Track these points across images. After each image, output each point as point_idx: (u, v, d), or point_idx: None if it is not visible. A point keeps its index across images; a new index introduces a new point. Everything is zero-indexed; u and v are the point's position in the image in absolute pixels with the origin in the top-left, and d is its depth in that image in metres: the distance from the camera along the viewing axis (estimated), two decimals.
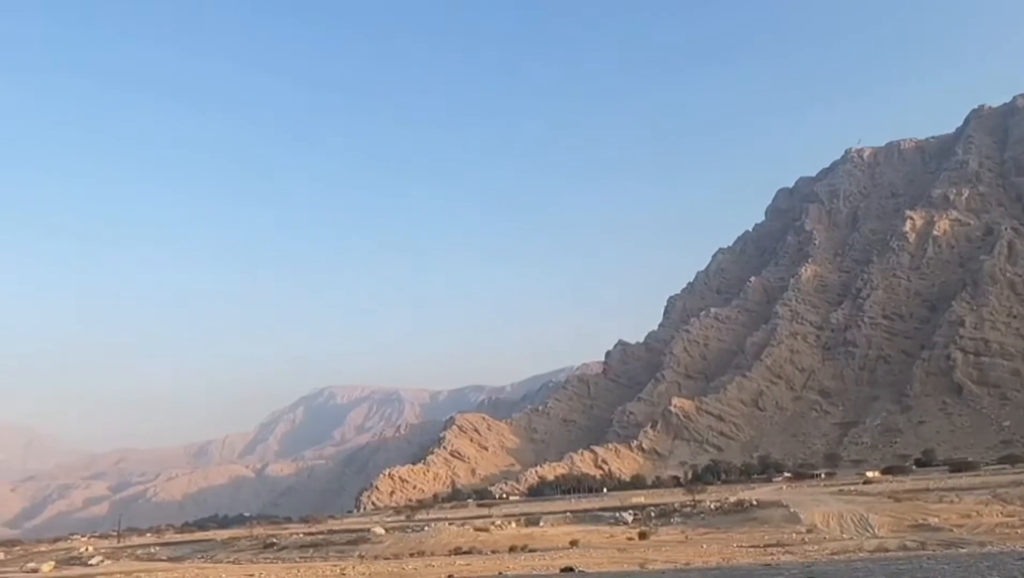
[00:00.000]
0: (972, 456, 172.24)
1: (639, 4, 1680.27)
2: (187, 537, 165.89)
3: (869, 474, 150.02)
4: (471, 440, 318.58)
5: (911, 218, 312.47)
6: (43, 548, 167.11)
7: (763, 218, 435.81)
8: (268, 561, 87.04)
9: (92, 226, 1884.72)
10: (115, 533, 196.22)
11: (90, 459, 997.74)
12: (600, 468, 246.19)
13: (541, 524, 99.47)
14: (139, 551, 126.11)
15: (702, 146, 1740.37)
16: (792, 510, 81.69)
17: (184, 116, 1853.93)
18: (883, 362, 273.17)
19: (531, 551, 71.04)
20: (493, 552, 73.02)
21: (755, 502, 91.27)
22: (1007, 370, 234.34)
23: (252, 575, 56.92)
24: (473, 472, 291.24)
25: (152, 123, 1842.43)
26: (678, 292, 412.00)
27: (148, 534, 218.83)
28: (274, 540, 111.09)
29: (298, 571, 57.47)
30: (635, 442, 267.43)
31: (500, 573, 42.60)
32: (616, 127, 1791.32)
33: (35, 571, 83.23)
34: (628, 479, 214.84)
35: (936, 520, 70.31)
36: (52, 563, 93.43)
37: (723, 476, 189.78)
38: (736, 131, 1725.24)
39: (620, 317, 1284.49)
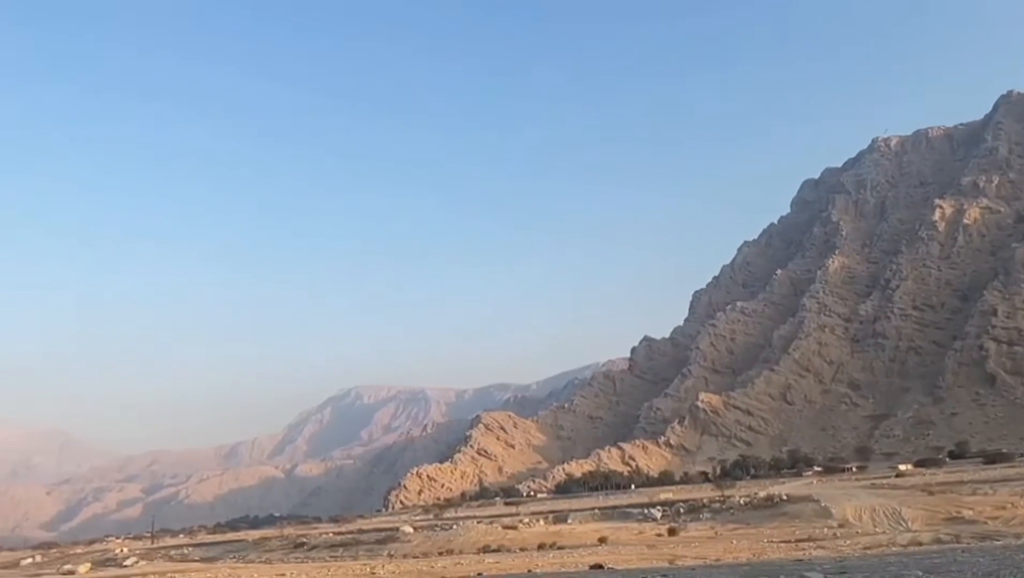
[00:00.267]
0: (1006, 447, 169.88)
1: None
2: (219, 538, 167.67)
3: (901, 467, 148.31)
4: (497, 438, 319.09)
5: (940, 207, 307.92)
6: (79, 550, 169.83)
7: (788, 210, 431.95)
8: (299, 561, 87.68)
9: (127, 232, 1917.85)
10: (149, 534, 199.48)
11: (123, 462, 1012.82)
12: (627, 465, 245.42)
13: (569, 521, 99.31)
14: (172, 552, 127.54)
15: (725, 142, 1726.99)
16: (823, 504, 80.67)
17: (207, 126, 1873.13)
18: (914, 353, 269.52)
19: (560, 548, 70.90)
20: (522, 550, 72.95)
21: (785, 497, 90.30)
22: None
23: (283, 575, 57.35)
24: (500, 470, 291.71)
25: (178, 133, 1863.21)
26: (703, 286, 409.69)
27: (181, 535, 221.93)
28: (304, 540, 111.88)
29: (328, 570, 57.81)
30: (662, 438, 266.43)
31: (529, 570, 42.53)
32: (636, 127, 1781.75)
33: (72, 573, 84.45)
34: (656, 475, 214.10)
35: (970, 513, 69.05)
36: (88, 565, 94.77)
37: (752, 471, 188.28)
38: (762, 124, 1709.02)
39: (645, 313, 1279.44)
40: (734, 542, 62.72)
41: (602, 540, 74.61)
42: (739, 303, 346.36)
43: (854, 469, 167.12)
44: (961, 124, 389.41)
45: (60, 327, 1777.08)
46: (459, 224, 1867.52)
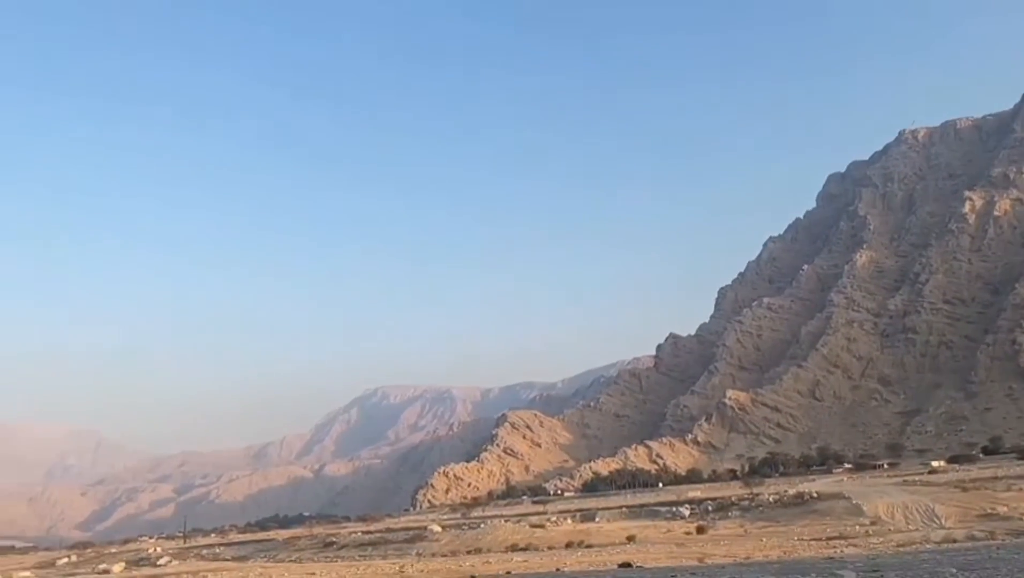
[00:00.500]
0: None
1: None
2: (249, 537, 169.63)
3: (934, 464, 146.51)
4: (524, 437, 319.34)
5: (970, 199, 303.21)
6: (113, 549, 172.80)
7: (814, 204, 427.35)
8: (328, 560, 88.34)
9: (155, 236, 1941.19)
10: (181, 534, 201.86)
11: (155, 462, 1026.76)
12: (655, 462, 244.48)
13: (597, 520, 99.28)
14: (204, 551, 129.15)
15: (749, 137, 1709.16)
16: (854, 502, 79.96)
17: (230, 135, 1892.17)
18: (945, 348, 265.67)
19: (588, 547, 70.97)
20: (550, 548, 73.06)
21: (815, 494, 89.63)
22: None
23: (314, 574, 57.87)
24: (527, 469, 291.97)
25: (211, 146, 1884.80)
26: (728, 283, 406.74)
27: (212, 535, 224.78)
28: (333, 539, 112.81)
29: (358, 569, 58.26)
30: (690, 436, 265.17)
31: (558, 569, 42.62)
32: (660, 126, 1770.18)
33: (107, 572, 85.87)
34: (683, 473, 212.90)
35: (1005, 509, 68.15)
36: (123, 564, 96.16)
37: (781, 468, 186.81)
38: (786, 118, 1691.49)
39: (671, 310, 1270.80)
40: (764, 540, 62.36)
41: (630, 539, 74.56)
42: (765, 299, 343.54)
43: (885, 466, 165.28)
44: (990, 115, 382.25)
45: (96, 328, 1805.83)
46: (485, 224, 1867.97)
